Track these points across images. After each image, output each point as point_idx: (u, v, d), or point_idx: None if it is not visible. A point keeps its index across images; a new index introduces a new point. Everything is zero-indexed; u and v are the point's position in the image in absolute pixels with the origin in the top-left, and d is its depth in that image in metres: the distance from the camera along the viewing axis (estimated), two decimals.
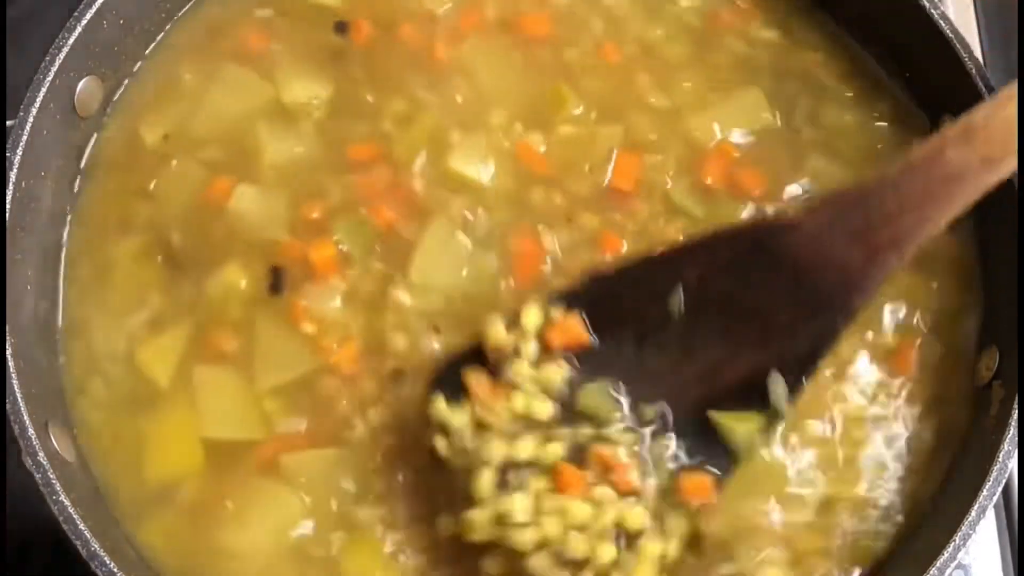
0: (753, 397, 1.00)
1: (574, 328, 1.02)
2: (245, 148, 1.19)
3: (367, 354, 1.11)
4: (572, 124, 1.20)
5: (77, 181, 1.19)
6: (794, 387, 1.00)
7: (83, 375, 1.13)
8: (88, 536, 0.97)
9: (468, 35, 1.24)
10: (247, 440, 1.08)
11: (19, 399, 1.01)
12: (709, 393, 1.01)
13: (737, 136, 1.21)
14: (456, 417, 1.01)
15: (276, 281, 1.14)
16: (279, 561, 1.05)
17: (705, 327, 1.01)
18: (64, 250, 1.17)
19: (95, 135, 1.21)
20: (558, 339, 1.02)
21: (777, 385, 0.99)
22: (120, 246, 1.17)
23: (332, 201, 1.16)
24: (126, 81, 1.23)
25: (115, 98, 1.22)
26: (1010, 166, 0.91)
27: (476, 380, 1.01)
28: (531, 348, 1.02)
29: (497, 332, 1.02)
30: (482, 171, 1.17)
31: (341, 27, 1.25)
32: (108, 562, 0.96)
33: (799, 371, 1.00)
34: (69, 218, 1.18)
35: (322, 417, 1.10)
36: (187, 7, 1.27)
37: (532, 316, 1.03)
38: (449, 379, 1.03)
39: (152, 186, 1.18)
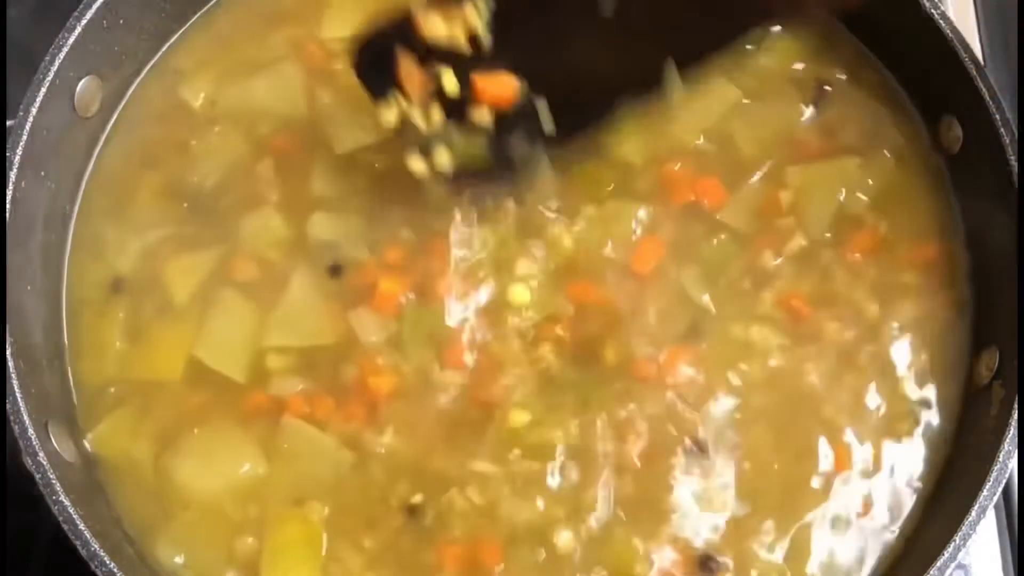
0: (646, 82, 1.13)
1: (507, 84, 1.09)
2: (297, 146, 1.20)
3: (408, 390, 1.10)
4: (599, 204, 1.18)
5: (102, 138, 1.21)
6: (687, 74, 1.13)
7: (87, 272, 1.15)
8: (88, 536, 0.97)
9: None
10: (228, 378, 1.09)
11: (19, 399, 1.01)
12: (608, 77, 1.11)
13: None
14: (385, 114, 1.07)
15: (336, 268, 1.14)
16: (217, 504, 1.06)
17: (625, 17, 1.09)
18: (67, 252, 1.17)
19: (132, 86, 1.23)
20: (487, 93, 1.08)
21: (673, 73, 1.12)
22: (143, 179, 1.18)
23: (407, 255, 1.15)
24: (171, 39, 1.25)
25: (156, 56, 1.24)
26: None
27: (407, 67, 1.06)
28: (463, 43, 1.06)
29: (434, 23, 1.06)
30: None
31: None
32: (108, 562, 0.96)
33: (695, 60, 1.14)
34: (89, 170, 1.19)
35: (330, 404, 1.09)
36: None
37: (472, 14, 1.07)
38: (372, 63, 1.09)
39: (193, 143, 1.20)
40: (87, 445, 1.09)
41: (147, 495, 1.08)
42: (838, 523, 1.08)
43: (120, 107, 1.23)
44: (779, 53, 1.24)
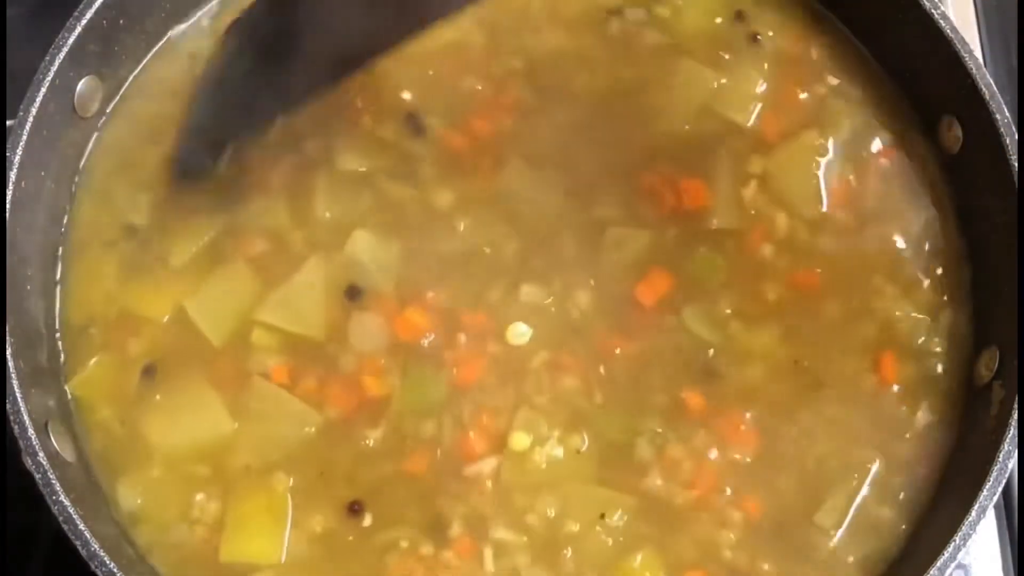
0: None
1: None
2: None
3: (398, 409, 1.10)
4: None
5: (108, 109, 1.21)
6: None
7: (93, 222, 1.16)
8: (88, 536, 0.97)
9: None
10: (206, 337, 1.10)
11: (19, 399, 1.01)
12: None
13: None
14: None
15: (354, 290, 1.13)
16: (179, 460, 1.07)
17: None
18: (63, 249, 1.17)
19: (142, 63, 1.23)
20: None
21: None
22: (148, 153, 1.19)
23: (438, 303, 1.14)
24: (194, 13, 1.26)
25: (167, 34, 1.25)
26: None
27: None
28: None
29: None
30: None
31: (415, 123, 1.21)
32: (108, 562, 0.96)
33: None
34: (89, 148, 1.19)
35: (311, 384, 1.10)
36: None
37: None
38: None
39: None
40: (68, 390, 1.10)
41: (116, 441, 1.08)
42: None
43: (128, 82, 1.22)
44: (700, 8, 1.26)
